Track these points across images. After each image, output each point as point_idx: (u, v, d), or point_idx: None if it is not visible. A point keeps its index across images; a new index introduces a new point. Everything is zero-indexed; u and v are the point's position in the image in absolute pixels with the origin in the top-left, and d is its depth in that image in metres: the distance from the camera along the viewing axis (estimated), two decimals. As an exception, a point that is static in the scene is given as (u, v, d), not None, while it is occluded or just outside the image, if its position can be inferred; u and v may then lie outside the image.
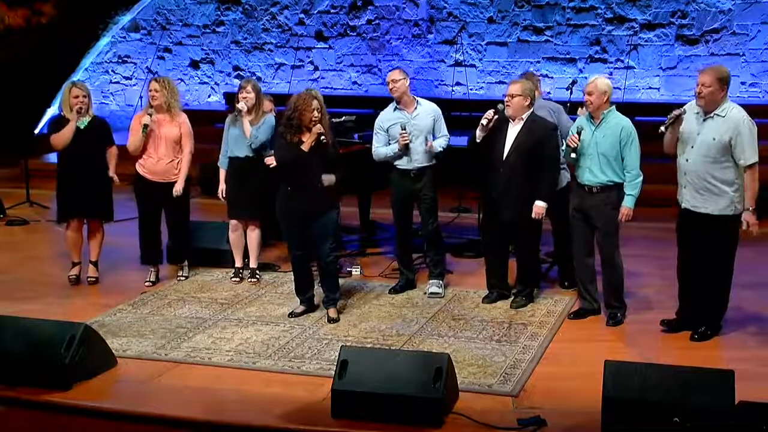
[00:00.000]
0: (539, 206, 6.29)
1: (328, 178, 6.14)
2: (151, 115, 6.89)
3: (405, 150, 6.67)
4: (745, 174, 5.59)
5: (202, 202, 9.86)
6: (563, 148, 6.34)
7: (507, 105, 6.32)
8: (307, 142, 6.10)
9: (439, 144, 6.76)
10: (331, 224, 6.25)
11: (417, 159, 6.72)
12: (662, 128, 5.70)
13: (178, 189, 6.96)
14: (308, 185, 6.13)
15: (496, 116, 6.31)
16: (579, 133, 6.06)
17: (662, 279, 6.90)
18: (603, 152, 6.02)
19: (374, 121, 6.94)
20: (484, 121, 6.30)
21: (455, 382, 4.89)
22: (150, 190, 7.03)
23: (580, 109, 6.46)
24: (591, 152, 6.05)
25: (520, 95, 6.27)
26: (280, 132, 6.26)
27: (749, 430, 4.20)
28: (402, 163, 6.76)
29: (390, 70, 6.94)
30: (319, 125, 6.09)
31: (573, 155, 6.09)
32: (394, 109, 6.80)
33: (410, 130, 6.65)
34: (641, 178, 6.05)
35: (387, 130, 6.77)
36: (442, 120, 6.86)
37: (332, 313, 6.32)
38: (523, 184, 6.29)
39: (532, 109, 6.37)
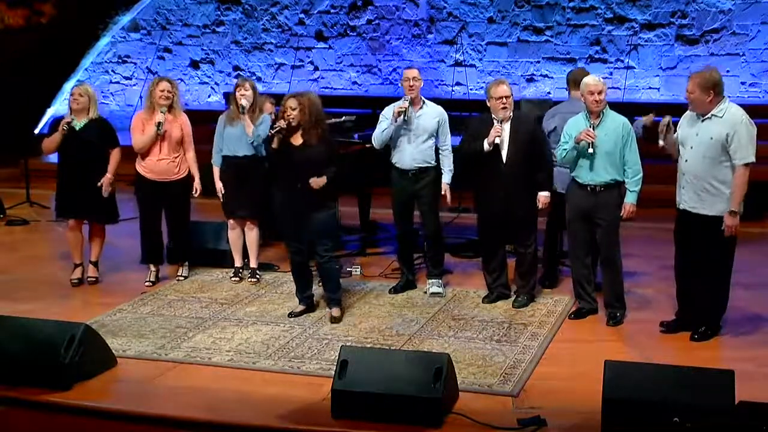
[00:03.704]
0: (545, 195, 6.42)
1: (316, 181, 6.04)
2: (164, 112, 6.92)
3: (401, 122, 6.63)
4: (735, 172, 5.53)
5: (202, 202, 9.83)
6: (566, 147, 6.18)
7: (504, 107, 6.33)
8: (274, 139, 6.14)
9: (450, 175, 6.74)
10: (325, 224, 6.20)
11: (416, 159, 6.73)
12: (660, 142, 5.79)
13: (197, 188, 7.13)
14: (296, 183, 6.12)
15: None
16: (593, 127, 6.00)
17: (662, 279, 6.89)
18: (607, 151, 6.02)
19: (374, 121, 6.93)
20: (497, 140, 6.29)
21: (455, 382, 4.89)
22: (150, 189, 7.04)
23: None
24: (593, 151, 6.02)
25: (512, 94, 6.38)
26: None
27: (749, 430, 4.20)
28: (401, 163, 6.77)
29: (407, 68, 6.87)
30: (281, 121, 6.09)
31: (590, 150, 5.98)
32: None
33: (414, 126, 6.65)
34: (641, 174, 6.09)
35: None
36: (447, 125, 6.81)
37: (335, 312, 6.30)
38: (526, 177, 6.38)
39: None
